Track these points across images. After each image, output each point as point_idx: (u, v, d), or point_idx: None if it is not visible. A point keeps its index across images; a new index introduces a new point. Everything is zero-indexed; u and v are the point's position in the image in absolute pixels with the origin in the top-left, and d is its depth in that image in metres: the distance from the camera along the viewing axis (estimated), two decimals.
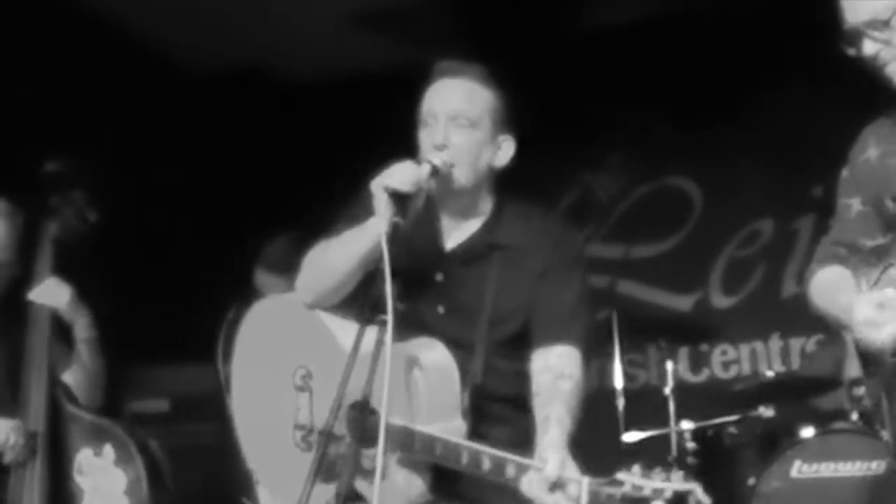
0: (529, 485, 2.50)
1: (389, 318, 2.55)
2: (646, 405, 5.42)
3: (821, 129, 5.94)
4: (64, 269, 3.91)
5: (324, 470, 2.72)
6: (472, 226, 2.92)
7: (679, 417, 5.00)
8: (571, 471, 2.49)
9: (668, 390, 5.11)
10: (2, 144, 4.90)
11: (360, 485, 2.70)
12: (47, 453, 3.65)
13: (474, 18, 6.23)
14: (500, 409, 2.83)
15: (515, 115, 2.94)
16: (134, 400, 5.56)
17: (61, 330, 3.89)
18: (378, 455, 2.54)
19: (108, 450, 3.70)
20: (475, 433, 2.73)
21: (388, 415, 2.56)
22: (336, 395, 2.54)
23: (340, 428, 2.67)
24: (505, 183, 3.00)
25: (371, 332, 2.62)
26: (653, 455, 4.99)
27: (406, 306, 2.82)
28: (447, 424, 2.70)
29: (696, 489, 2.35)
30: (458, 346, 2.78)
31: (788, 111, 6.05)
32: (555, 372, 2.74)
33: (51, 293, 3.83)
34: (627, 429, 5.04)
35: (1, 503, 3.61)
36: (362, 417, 2.55)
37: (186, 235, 5.97)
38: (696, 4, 6.10)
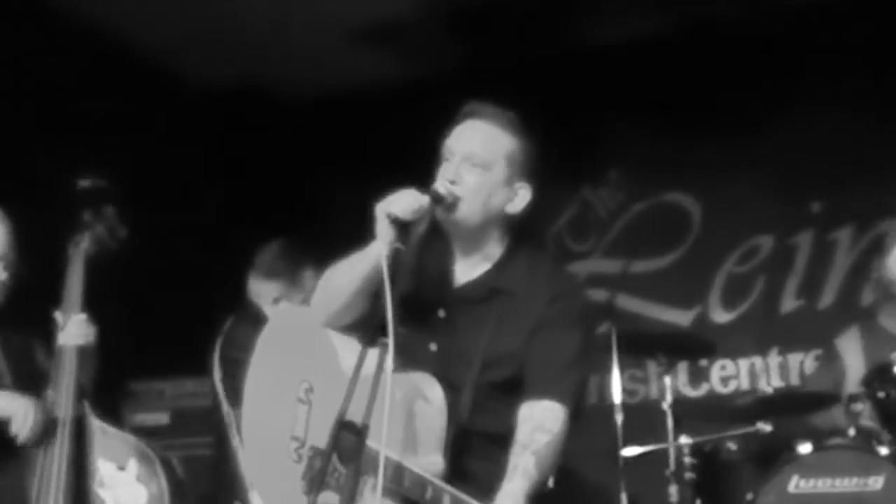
0: None
1: (391, 341, 2.58)
2: (644, 420, 5.42)
3: (820, 146, 5.99)
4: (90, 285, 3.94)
5: (308, 481, 2.80)
6: (481, 268, 2.97)
7: (678, 432, 5.01)
8: None
9: (666, 405, 5.12)
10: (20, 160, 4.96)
11: (335, 501, 2.73)
12: (71, 468, 3.67)
13: (472, 34, 6.26)
14: (484, 446, 2.84)
15: (537, 166, 2.97)
16: (134, 413, 5.58)
17: None
18: (379, 477, 2.56)
19: (133, 465, 3.72)
20: (458, 467, 2.77)
21: (371, 440, 2.60)
22: (337, 414, 2.56)
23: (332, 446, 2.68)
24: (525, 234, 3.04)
25: (373, 356, 2.64)
26: (651, 470, 5.01)
27: (403, 336, 2.85)
28: (425, 458, 2.72)
29: None
30: (447, 384, 2.81)
31: (787, 127, 6.07)
32: (534, 424, 2.76)
33: (80, 334, 3.85)
34: (626, 443, 5.04)
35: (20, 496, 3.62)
36: (352, 438, 2.58)
37: (183, 247, 5.98)
38: (694, 22, 6.13)
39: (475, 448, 2.83)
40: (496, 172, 2.89)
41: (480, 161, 2.87)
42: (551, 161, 2.99)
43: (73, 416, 3.73)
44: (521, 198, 2.94)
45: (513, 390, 2.83)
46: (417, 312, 2.89)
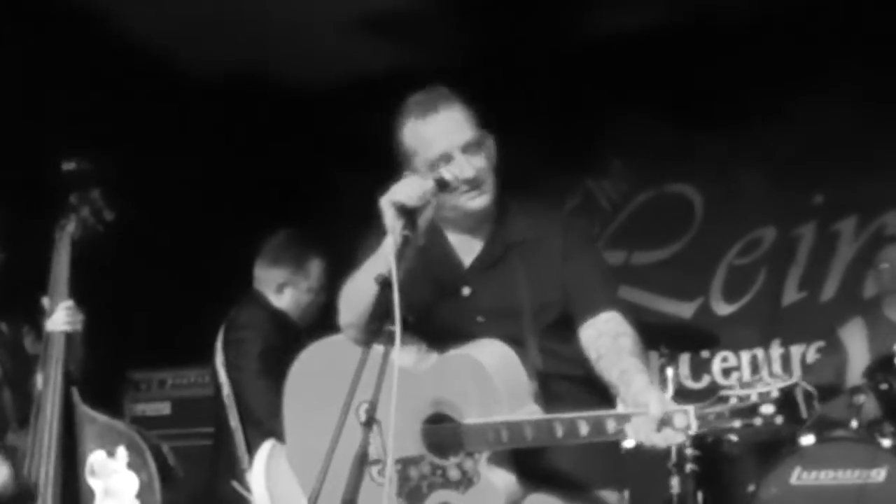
0: (635, 430, 2.53)
1: (397, 328, 2.56)
2: None
3: (822, 137, 5.98)
4: (77, 269, 3.89)
5: (407, 494, 2.77)
6: (482, 236, 2.99)
7: None
8: (672, 405, 2.51)
9: (668, 396, 5.10)
10: (13, 145, 4.92)
11: (451, 497, 2.73)
12: (60, 455, 3.64)
13: (475, 24, 6.24)
14: (564, 387, 2.87)
15: (477, 110, 2.99)
16: (135, 403, 5.58)
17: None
18: (388, 465, 2.58)
19: (122, 452, 3.69)
20: (545, 412, 2.78)
21: (466, 417, 2.68)
22: (392, 419, 2.53)
23: (414, 449, 2.70)
24: (509, 188, 3.03)
25: (408, 345, 2.67)
26: (653, 461, 5.00)
27: (436, 324, 2.91)
28: (525, 411, 2.74)
29: (800, 381, 2.37)
30: (510, 342, 2.84)
31: (790, 119, 6.06)
32: (611, 333, 2.80)
33: (68, 321, 3.80)
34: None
35: None
36: (436, 429, 2.62)
37: (187, 240, 5.98)
38: (698, 13, 6.11)
39: (557, 393, 2.85)
40: (483, 142, 2.93)
41: (474, 143, 2.91)
42: (555, 152, 2.99)
43: (62, 404, 3.69)
44: (492, 148, 2.97)
45: (569, 328, 2.87)
46: (443, 299, 2.94)
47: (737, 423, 2.41)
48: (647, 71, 6.26)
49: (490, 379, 2.73)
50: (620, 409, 2.59)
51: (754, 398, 2.37)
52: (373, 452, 2.76)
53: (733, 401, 2.40)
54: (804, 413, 2.36)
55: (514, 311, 2.89)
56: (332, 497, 2.49)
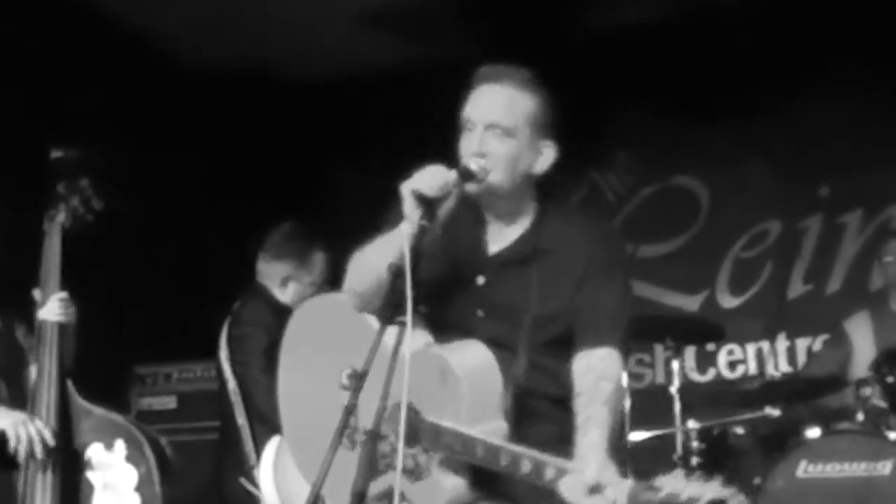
0: (567, 488, 2.49)
1: (408, 319, 2.55)
2: (652, 404, 5.42)
3: (828, 130, 5.97)
4: (69, 261, 3.86)
5: (367, 467, 2.76)
6: (515, 230, 2.95)
7: (685, 417, 4.99)
8: (610, 475, 2.48)
9: (674, 389, 5.10)
10: (7, 134, 4.91)
11: (403, 484, 2.72)
12: (58, 448, 3.61)
13: (482, 18, 6.23)
14: (543, 406, 2.84)
15: (557, 121, 2.96)
16: (141, 397, 5.59)
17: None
18: (398, 453, 2.55)
19: (120, 445, 3.67)
20: (517, 430, 2.75)
21: (431, 415, 2.66)
22: (381, 396, 2.54)
23: (385, 428, 2.66)
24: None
25: (417, 335, 2.65)
26: (658, 454, 5.00)
27: (443, 309, 2.89)
28: (489, 426, 2.71)
29: (733, 497, 2.33)
30: (500, 347, 2.80)
31: (795, 112, 6.06)
32: (597, 374, 2.75)
33: (61, 312, 3.77)
34: (633, 428, 5.03)
35: (12, 497, 3.59)
36: (408, 419, 2.57)
37: (191, 232, 5.98)
38: (704, 5, 6.10)
39: (535, 409, 2.82)
40: (521, 137, 2.87)
41: (504, 129, 2.85)
42: (560, 144, 2.98)
43: (58, 395, 3.66)
44: (546, 157, 2.93)
45: (565, 347, 2.83)
46: (456, 284, 2.90)
47: None
48: (654, 64, 6.25)
49: (458, 386, 2.70)
50: (562, 461, 2.55)
51: (683, 498, 2.33)
52: (350, 420, 2.75)
53: (663, 494, 2.35)
54: None
55: (515, 316, 2.85)
56: (307, 445, 2.57)
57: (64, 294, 3.79)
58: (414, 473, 2.73)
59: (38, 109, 5.23)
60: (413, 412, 2.69)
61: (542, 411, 2.83)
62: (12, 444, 3.53)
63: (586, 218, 3.09)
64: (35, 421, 3.58)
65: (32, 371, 3.73)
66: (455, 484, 2.73)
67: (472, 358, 2.78)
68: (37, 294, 3.82)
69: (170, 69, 6.27)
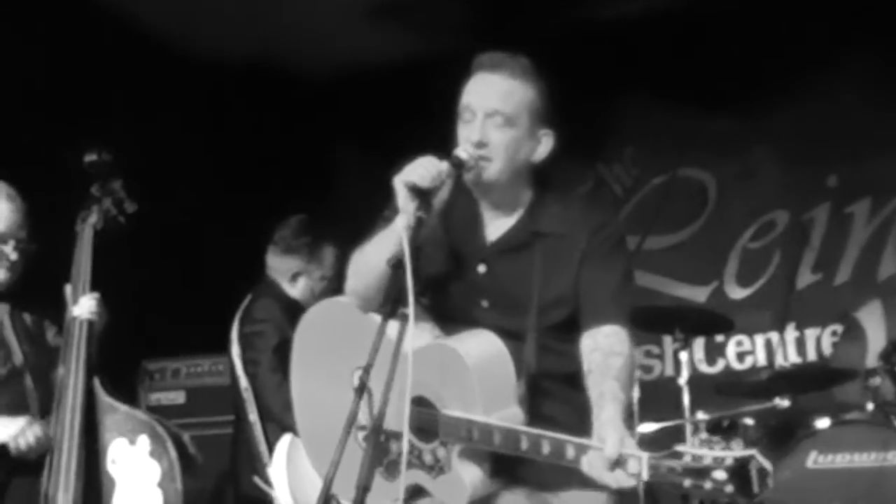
0: (590, 465, 2.50)
1: (411, 311, 2.56)
2: (661, 396, 5.42)
3: (835, 119, 5.95)
4: (99, 260, 3.89)
5: (386, 466, 2.79)
6: (512, 218, 2.95)
7: (694, 408, 4.99)
8: (630, 447, 2.48)
9: (683, 381, 5.10)
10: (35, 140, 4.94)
11: (423, 478, 2.76)
12: (82, 443, 3.64)
13: (486, 10, 6.23)
14: (556, 387, 2.85)
15: (556, 108, 2.95)
16: (150, 392, 5.60)
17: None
18: (404, 444, 2.56)
19: (143, 441, 3.68)
20: (532, 411, 2.76)
21: (447, 408, 2.68)
22: (383, 392, 2.55)
23: (399, 424, 2.66)
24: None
25: (424, 328, 2.68)
26: (667, 446, 4.99)
27: (445, 300, 2.90)
28: (504, 413, 2.72)
29: (756, 454, 2.32)
30: (508, 336, 2.81)
31: (803, 101, 6.04)
32: (604, 350, 2.76)
33: (92, 311, 3.79)
34: (642, 419, 5.03)
35: (35, 492, 3.60)
36: (418, 412, 2.61)
37: (201, 229, 5.98)
38: None
39: (549, 391, 2.83)
40: (520, 126, 2.86)
41: (503, 117, 2.84)
42: (565, 137, 2.97)
43: (84, 392, 3.69)
44: (544, 145, 2.93)
45: (573, 329, 2.84)
46: (457, 274, 2.91)
47: (687, 482, 2.36)
48: (659, 55, 6.24)
49: (470, 376, 2.70)
50: (581, 439, 2.55)
51: (708, 461, 2.33)
52: (361, 419, 2.79)
53: (687, 458, 2.36)
54: (756, 488, 2.30)
55: (521, 303, 2.85)
56: (325, 450, 2.54)
57: (97, 294, 3.82)
58: (434, 468, 2.74)
59: (57, 106, 5.24)
60: (428, 406, 2.70)
61: (555, 392, 2.84)
62: (13, 455, 3.57)
63: (582, 201, 3.13)
64: (34, 426, 3.60)
65: (61, 369, 3.75)
66: (476, 476, 2.74)
67: (483, 347, 2.78)
68: (68, 291, 3.85)
69: (180, 62, 6.26)
